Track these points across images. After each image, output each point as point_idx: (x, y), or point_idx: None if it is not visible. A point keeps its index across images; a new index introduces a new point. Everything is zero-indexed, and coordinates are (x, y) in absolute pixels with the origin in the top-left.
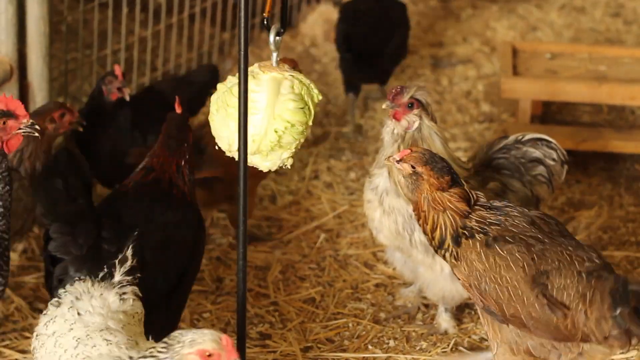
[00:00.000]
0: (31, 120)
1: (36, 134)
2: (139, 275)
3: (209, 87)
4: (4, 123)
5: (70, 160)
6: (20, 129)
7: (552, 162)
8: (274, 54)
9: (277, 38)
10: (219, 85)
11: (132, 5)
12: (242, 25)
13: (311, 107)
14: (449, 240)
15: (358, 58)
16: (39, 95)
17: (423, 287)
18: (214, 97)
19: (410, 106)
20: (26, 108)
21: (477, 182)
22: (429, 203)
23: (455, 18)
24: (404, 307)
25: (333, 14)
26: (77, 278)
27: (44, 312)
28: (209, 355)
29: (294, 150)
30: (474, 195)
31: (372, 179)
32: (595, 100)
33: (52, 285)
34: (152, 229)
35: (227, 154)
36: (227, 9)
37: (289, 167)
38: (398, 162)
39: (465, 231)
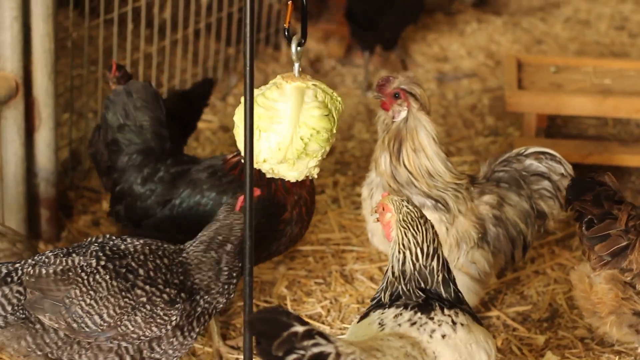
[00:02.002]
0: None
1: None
2: None
3: (204, 100)
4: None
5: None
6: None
7: (557, 177)
8: (296, 65)
9: (299, 48)
10: (242, 98)
11: (137, 21)
12: (248, 40)
13: (335, 115)
14: None
15: (366, 20)
16: (45, 112)
17: None
18: (238, 109)
19: (396, 96)
20: (32, 124)
21: (473, 193)
22: None
23: (460, 32)
24: None
25: None
26: None
27: None
28: None
29: (320, 158)
30: None
31: (369, 173)
32: (600, 114)
33: None
34: None
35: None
36: (232, 25)
37: (315, 177)
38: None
39: None
